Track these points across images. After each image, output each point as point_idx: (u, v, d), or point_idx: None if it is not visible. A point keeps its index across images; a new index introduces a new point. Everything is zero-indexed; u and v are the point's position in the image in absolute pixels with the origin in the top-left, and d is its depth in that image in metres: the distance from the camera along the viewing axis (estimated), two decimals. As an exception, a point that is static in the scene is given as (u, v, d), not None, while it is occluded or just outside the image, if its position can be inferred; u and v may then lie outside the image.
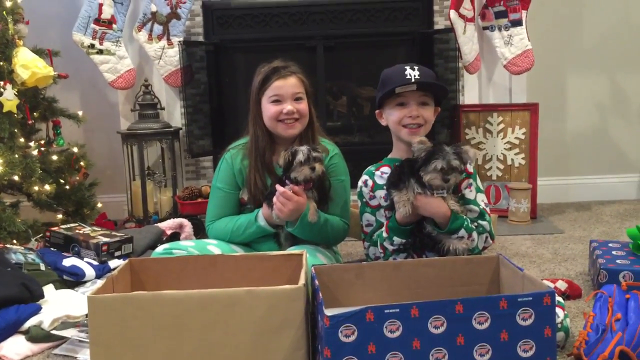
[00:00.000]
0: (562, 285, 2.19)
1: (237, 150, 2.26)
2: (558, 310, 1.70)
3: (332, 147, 2.26)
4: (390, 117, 2.09)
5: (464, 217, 1.96)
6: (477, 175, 2.11)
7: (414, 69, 2.01)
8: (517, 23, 3.39)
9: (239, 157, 2.24)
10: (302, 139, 2.21)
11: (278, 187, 2.04)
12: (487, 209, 2.05)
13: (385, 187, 2.07)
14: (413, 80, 1.98)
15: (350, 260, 2.70)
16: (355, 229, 2.47)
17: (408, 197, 1.91)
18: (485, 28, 3.47)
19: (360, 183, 2.19)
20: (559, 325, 1.69)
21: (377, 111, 2.16)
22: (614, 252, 2.29)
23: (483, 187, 2.15)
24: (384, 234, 2.03)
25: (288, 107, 2.14)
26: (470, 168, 2.05)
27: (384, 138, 2.17)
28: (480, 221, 2.01)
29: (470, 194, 2.05)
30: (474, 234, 1.96)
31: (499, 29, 3.42)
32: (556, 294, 1.67)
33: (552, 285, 2.15)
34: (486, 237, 2.01)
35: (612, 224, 3.28)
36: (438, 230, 1.93)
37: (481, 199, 2.06)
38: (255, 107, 2.21)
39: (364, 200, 2.17)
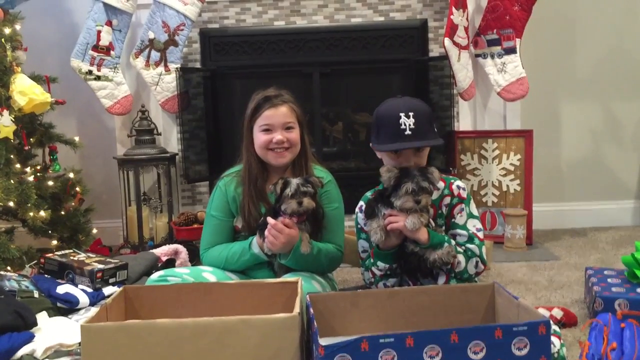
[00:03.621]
0: (557, 313, 2.18)
1: (230, 178, 2.26)
2: (555, 339, 1.69)
3: (325, 174, 2.27)
4: (384, 159, 2.10)
5: (445, 235, 1.99)
6: (472, 201, 2.12)
7: (409, 117, 1.97)
8: (511, 51, 3.43)
9: (233, 184, 2.24)
10: (295, 166, 2.22)
11: (269, 219, 2.03)
12: (479, 234, 2.05)
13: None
14: (407, 130, 1.96)
15: (345, 287, 2.69)
16: (351, 256, 2.47)
17: (378, 224, 1.95)
18: (477, 55, 3.51)
19: (356, 209, 2.20)
20: (555, 355, 1.68)
21: (371, 145, 2.16)
22: (609, 280, 2.29)
23: (479, 213, 2.15)
24: (371, 259, 2.06)
25: (278, 136, 2.15)
26: (463, 193, 2.07)
27: (380, 164, 2.18)
28: (468, 245, 2.02)
29: (460, 219, 2.06)
30: (460, 257, 1.97)
31: (492, 57, 3.47)
32: (552, 322, 1.67)
33: (548, 313, 2.15)
34: (477, 262, 2.01)
35: (608, 250, 3.28)
36: (420, 246, 1.94)
37: (472, 224, 2.06)
38: (247, 135, 2.23)
39: (359, 226, 2.18)
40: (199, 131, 3.59)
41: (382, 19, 3.61)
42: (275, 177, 2.20)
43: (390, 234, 1.96)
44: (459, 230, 2.05)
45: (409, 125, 1.97)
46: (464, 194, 2.08)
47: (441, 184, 2.06)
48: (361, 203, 2.19)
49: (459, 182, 2.10)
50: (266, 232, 2.03)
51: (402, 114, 1.98)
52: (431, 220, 2.00)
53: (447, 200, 2.06)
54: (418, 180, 1.89)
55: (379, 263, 2.02)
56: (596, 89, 3.85)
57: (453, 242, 1.99)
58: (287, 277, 2.03)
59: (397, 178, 1.91)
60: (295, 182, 2.04)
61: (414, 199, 1.89)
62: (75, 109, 3.68)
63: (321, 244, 2.14)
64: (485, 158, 3.51)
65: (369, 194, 2.19)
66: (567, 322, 2.17)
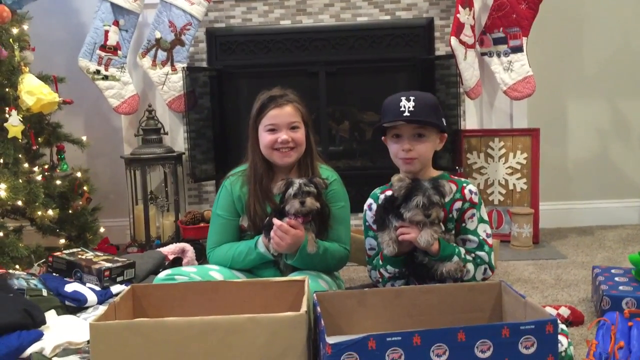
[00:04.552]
0: (565, 311, 2.18)
1: (236, 178, 2.27)
2: (562, 338, 1.69)
3: (331, 173, 2.27)
4: (389, 147, 2.11)
5: (456, 246, 1.98)
6: (483, 205, 2.11)
7: (409, 100, 1.99)
8: (517, 49, 3.42)
9: (239, 184, 2.25)
10: (300, 166, 2.23)
11: (275, 220, 2.03)
12: (489, 240, 2.05)
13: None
14: (406, 112, 1.98)
15: (352, 285, 2.70)
16: (357, 254, 2.47)
17: (390, 237, 1.94)
18: (483, 54, 3.50)
19: (365, 206, 2.20)
20: (563, 354, 1.68)
21: (383, 138, 2.17)
22: (616, 279, 2.29)
23: (486, 211, 2.15)
24: (380, 261, 2.06)
25: (283, 136, 2.15)
26: (475, 198, 2.06)
27: (386, 162, 2.18)
28: (478, 252, 2.01)
29: (471, 224, 2.05)
30: (469, 265, 1.97)
31: (498, 55, 3.46)
32: (559, 321, 1.67)
33: (555, 311, 2.15)
34: (485, 269, 2.01)
35: (615, 249, 3.27)
36: (430, 258, 1.94)
37: (483, 229, 2.05)
38: (253, 135, 2.23)
39: (367, 224, 2.18)
40: (206, 130, 3.60)
41: (388, 17, 3.61)
42: (280, 176, 2.20)
43: (401, 243, 1.95)
44: (469, 236, 2.04)
45: (408, 107, 1.99)
46: (476, 199, 2.06)
47: (453, 187, 2.03)
48: (370, 201, 2.19)
49: (471, 187, 2.08)
50: (272, 233, 2.03)
51: (403, 98, 2.01)
52: (441, 224, 2.00)
53: (459, 204, 2.05)
54: (429, 194, 1.87)
55: (389, 267, 2.02)
56: (603, 88, 3.84)
57: (463, 250, 1.99)
58: (294, 276, 2.03)
59: (407, 189, 1.90)
60: (298, 182, 2.04)
61: (424, 213, 1.88)
62: (82, 108, 3.69)
63: (327, 243, 2.15)
64: (492, 157, 3.50)
65: (377, 192, 2.19)
66: (574, 320, 2.17)
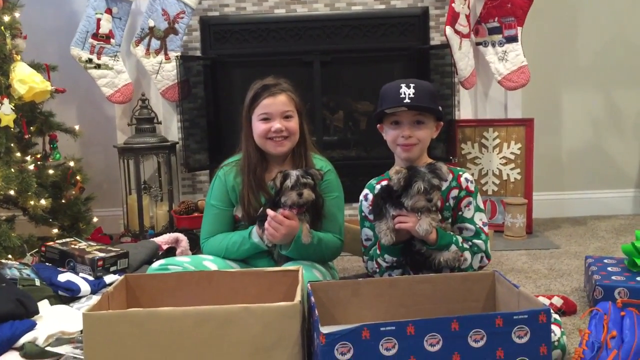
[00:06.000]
0: (557, 301, 2.19)
1: (230, 168, 2.26)
2: (555, 328, 1.70)
3: (324, 163, 2.26)
4: (387, 135, 2.12)
5: (453, 234, 1.98)
6: (479, 194, 2.12)
7: (409, 87, 2.01)
8: (512, 39, 3.41)
9: (232, 174, 2.24)
10: (294, 156, 2.22)
11: (269, 211, 2.02)
12: (485, 228, 2.06)
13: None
14: (407, 99, 2.00)
15: (346, 275, 2.70)
16: (351, 244, 2.48)
17: (388, 226, 1.94)
18: (478, 44, 3.49)
19: (361, 197, 2.20)
20: (556, 343, 1.69)
21: (378, 125, 2.18)
22: (609, 269, 2.30)
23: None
24: (377, 251, 2.05)
25: (277, 125, 2.14)
26: (471, 187, 2.07)
27: (381, 152, 2.19)
28: (475, 240, 2.02)
29: (468, 212, 2.06)
30: (467, 254, 1.97)
31: (493, 45, 3.45)
32: (552, 311, 1.68)
33: (547, 301, 2.16)
34: (481, 257, 2.02)
35: (608, 239, 3.29)
36: (428, 247, 1.94)
37: (479, 217, 2.06)
38: (246, 125, 2.22)
39: (363, 214, 2.18)
40: (200, 120, 3.59)
41: (382, 6, 3.59)
42: (274, 166, 2.20)
43: (399, 232, 1.95)
44: (466, 224, 2.05)
45: (409, 94, 2.00)
46: (472, 187, 2.07)
47: (449, 175, 2.04)
48: (366, 191, 2.19)
49: (467, 175, 2.09)
50: (266, 224, 2.02)
51: (403, 85, 2.02)
52: (438, 213, 1.99)
53: (455, 192, 2.06)
54: (428, 178, 1.87)
55: (387, 256, 2.02)
56: (598, 78, 3.84)
57: (460, 239, 1.99)
58: (288, 266, 2.03)
59: (406, 178, 1.89)
60: (295, 173, 2.03)
61: (426, 197, 1.88)
62: (75, 97, 3.67)
63: (322, 234, 2.14)
64: (486, 147, 3.50)
65: (373, 182, 2.19)
66: (567, 310, 2.18)
